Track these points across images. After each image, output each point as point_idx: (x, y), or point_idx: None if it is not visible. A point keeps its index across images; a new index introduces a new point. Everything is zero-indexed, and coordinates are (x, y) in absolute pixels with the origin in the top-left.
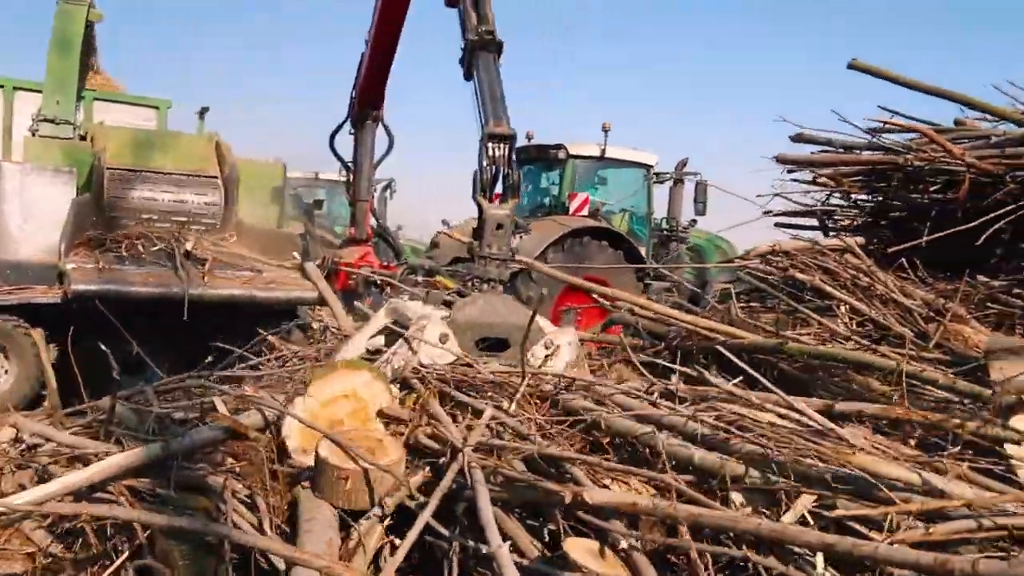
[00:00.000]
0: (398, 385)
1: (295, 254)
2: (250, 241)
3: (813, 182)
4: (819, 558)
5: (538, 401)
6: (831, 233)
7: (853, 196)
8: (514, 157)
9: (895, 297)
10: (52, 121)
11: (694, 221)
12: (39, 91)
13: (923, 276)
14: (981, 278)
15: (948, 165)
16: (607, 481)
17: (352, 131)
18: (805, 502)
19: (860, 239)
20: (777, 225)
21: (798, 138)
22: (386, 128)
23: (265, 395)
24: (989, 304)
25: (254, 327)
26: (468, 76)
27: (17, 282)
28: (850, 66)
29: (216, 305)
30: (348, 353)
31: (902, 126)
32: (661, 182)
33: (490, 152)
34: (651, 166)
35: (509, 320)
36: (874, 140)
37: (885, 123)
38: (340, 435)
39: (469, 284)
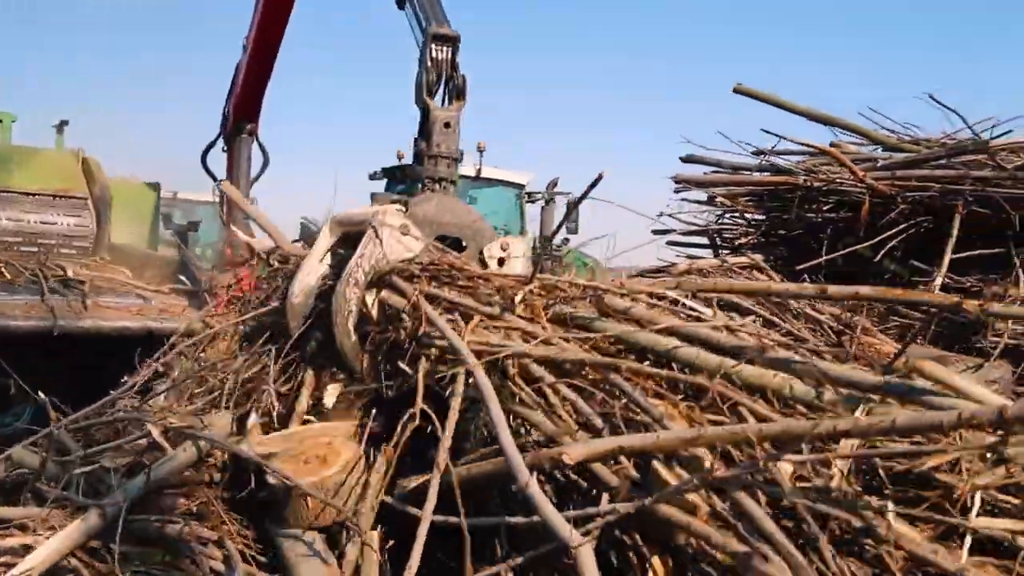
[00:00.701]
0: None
1: (182, 277)
2: (125, 266)
3: (709, 202)
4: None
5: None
6: (727, 251)
7: (747, 216)
8: (458, 60)
9: (807, 311)
10: None
11: (567, 239)
12: None
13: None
14: None
15: (843, 185)
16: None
17: (225, 148)
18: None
19: (759, 256)
20: (669, 243)
21: (688, 159)
22: (260, 145)
23: (197, 420)
24: (892, 317)
25: (138, 355)
26: (401, 3)
27: None
28: (735, 90)
29: (104, 338)
30: (304, 281)
31: (810, 147)
32: (533, 201)
33: (433, 53)
34: (523, 185)
35: (465, 220)
36: (762, 161)
37: (778, 141)
38: (289, 449)
39: (421, 186)
